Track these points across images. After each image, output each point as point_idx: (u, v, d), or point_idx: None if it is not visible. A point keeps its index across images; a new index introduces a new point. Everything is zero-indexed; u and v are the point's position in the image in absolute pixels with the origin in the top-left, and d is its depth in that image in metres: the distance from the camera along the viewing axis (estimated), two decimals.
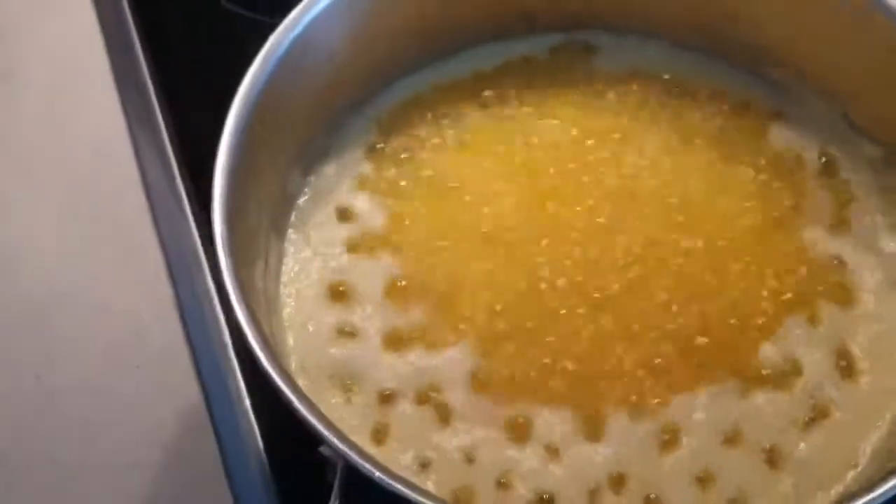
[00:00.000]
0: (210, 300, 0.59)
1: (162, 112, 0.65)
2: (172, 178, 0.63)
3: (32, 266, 0.62)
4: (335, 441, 0.39)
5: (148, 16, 0.69)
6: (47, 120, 0.67)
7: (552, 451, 0.48)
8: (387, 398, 0.49)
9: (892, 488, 0.40)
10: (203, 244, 0.61)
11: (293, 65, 0.51)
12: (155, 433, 0.56)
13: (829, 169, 0.55)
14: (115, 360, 0.58)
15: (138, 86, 0.67)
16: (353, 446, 0.39)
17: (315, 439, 0.42)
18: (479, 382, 0.49)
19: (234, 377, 0.56)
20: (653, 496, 0.47)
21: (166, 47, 0.68)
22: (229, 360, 0.57)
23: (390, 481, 0.38)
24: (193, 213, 0.62)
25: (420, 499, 0.37)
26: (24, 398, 0.57)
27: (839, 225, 0.54)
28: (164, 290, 0.60)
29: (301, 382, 0.49)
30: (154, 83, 0.66)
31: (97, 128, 0.66)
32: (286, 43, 0.51)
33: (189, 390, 0.57)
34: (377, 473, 0.38)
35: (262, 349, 0.41)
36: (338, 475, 0.39)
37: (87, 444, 0.56)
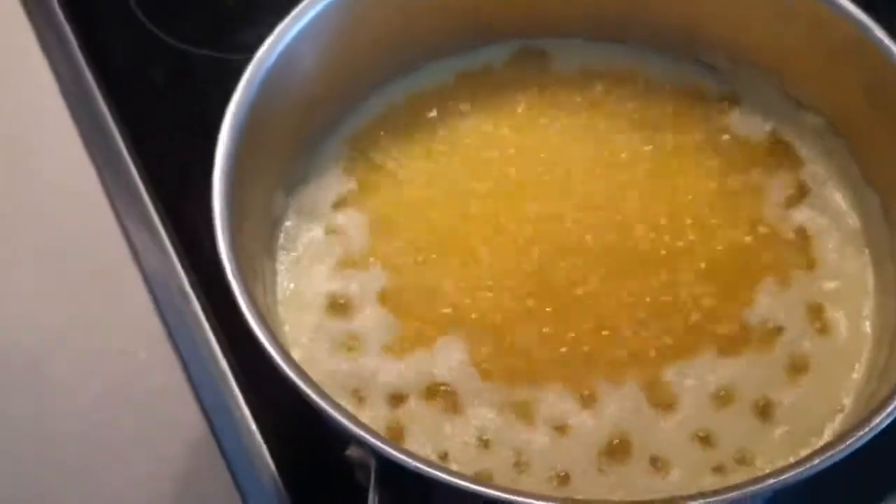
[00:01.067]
0: (202, 331, 0.60)
1: (128, 152, 0.66)
2: (148, 217, 0.64)
3: (19, 317, 0.62)
4: (369, 438, 0.40)
5: (103, 59, 0.70)
6: (12, 171, 0.67)
7: (558, 428, 0.50)
8: (397, 399, 0.51)
9: (878, 424, 0.43)
10: (188, 276, 0.62)
11: (271, 92, 0.53)
12: (164, 468, 0.56)
13: (779, 142, 0.59)
14: (116, 401, 0.58)
15: (100, 129, 0.68)
16: (386, 441, 0.40)
17: (337, 446, 0.44)
18: (481, 372, 0.52)
19: (238, 404, 0.57)
20: (658, 457, 0.49)
21: (126, 90, 0.69)
22: (230, 387, 0.58)
23: (429, 469, 0.39)
24: (174, 249, 0.63)
25: (459, 481, 0.39)
26: (26, 449, 0.57)
27: (795, 193, 0.57)
28: (156, 327, 0.61)
29: None
30: (117, 124, 0.67)
31: (65, 173, 0.66)
32: (262, 72, 0.52)
33: (194, 422, 0.57)
34: (414, 463, 0.39)
35: (286, 364, 0.42)
36: (372, 474, 0.41)
37: (95, 486, 0.56)
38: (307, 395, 0.42)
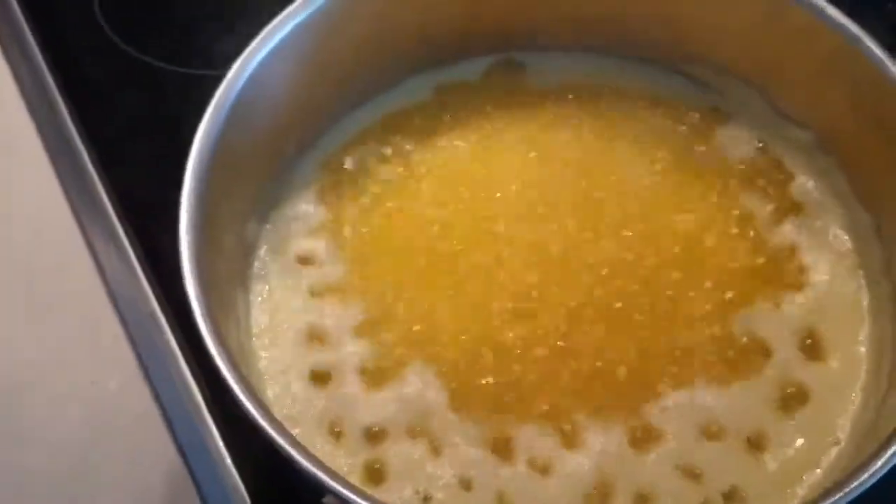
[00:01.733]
0: (175, 360, 0.58)
1: (98, 176, 0.64)
2: (119, 243, 0.62)
3: None
4: (344, 492, 0.38)
5: (72, 78, 0.68)
6: None
7: (540, 466, 0.48)
8: (376, 436, 0.49)
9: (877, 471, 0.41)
10: (159, 303, 0.60)
11: (239, 118, 0.51)
12: (141, 500, 0.55)
13: (768, 159, 0.57)
14: (90, 433, 0.57)
15: (70, 152, 0.65)
16: (363, 495, 0.39)
17: (313, 490, 0.42)
18: (461, 408, 0.50)
19: (211, 435, 0.56)
20: (644, 496, 0.48)
21: (95, 110, 0.67)
22: (203, 418, 0.56)
23: None
24: (146, 276, 0.61)
25: None
26: (2, 486, 0.55)
27: (784, 212, 0.55)
28: (127, 357, 0.59)
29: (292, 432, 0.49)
30: (86, 148, 0.65)
31: (33, 200, 0.65)
32: (232, 96, 0.50)
33: (169, 454, 0.56)
34: None
35: (262, 416, 0.40)
36: None
37: None
38: (281, 447, 0.40)
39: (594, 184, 0.57)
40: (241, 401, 0.41)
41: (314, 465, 0.39)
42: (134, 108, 0.67)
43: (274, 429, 0.40)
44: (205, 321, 0.43)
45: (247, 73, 0.51)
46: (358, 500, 0.38)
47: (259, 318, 0.53)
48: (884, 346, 0.51)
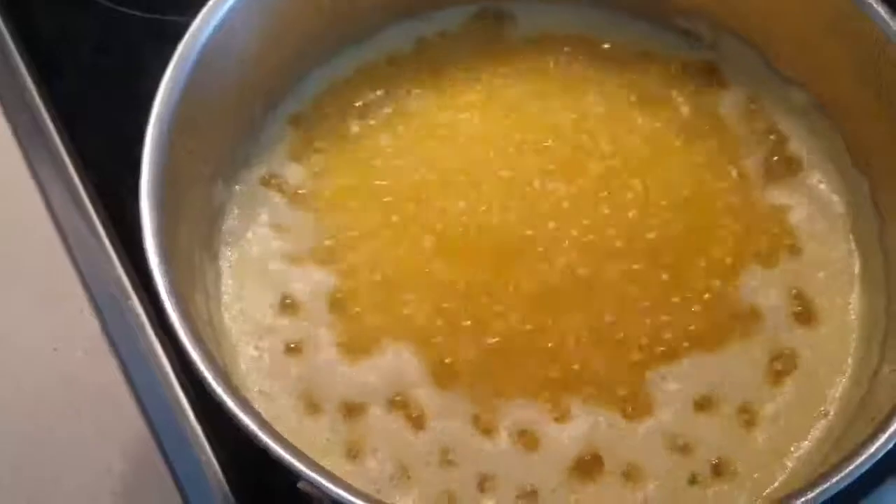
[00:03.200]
0: (143, 330, 0.56)
1: (58, 134, 0.61)
2: (82, 206, 0.59)
3: None
4: (321, 480, 0.37)
5: (25, 26, 0.64)
6: None
7: (525, 441, 0.47)
8: (354, 410, 0.47)
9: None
10: (125, 269, 0.57)
11: (205, 72, 0.48)
12: (106, 478, 0.53)
13: (762, 120, 0.55)
14: (51, 405, 0.54)
15: (28, 109, 0.62)
16: (338, 482, 0.37)
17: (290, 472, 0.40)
18: (443, 381, 0.48)
19: (182, 408, 0.53)
20: (632, 470, 0.46)
21: (54, 61, 0.63)
22: (173, 390, 0.54)
23: None
24: (110, 239, 0.58)
25: None
26: None
27: (778, 175, 0.53)
28: (92, 326, 0.56)
29: (263, 407, 0.47)
30: (45, 103, 0.62)
31: None
32: (195, 51, 0.47)
33: (136, 428, 0.54)
34: None
35: (229, 396, 0.38)
36: None
37: (31, 501, 0.52)
38: (253, 434, 0.38)
39: (579, 140, 0.54)
40: (207, 381, 0.38)
41: (287, 453, 0.37)
42: (95, 58, 0.64)
43: (244, 411, 0.38)
44: (168, 293, 0.41)
45: (214, 22, 0.48)
46: (333, 488, 0.36)
47: (229, 286, 0.50)
48: (876, 315, 0.49)
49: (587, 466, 0.46)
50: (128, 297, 0.57)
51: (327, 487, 0.36)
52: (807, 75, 0.53)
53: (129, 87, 0.57)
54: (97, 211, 0.58)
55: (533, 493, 0.46)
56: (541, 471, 0.46)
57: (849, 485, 0.39)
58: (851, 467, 0.38)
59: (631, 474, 0.46)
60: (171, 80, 0.47)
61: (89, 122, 0.61)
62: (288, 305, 0.50)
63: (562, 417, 0.47)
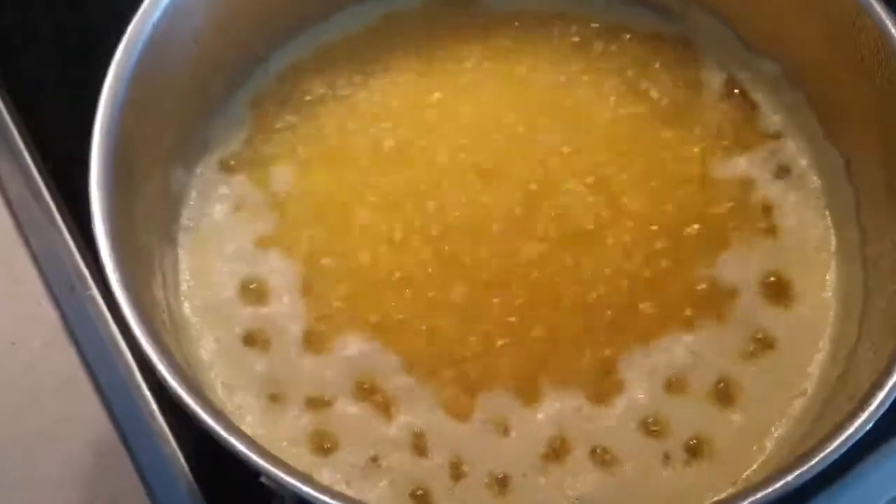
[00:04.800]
0: (103, 318, 0.54)
1: (13, 119, 0.59)
2: (36, 189, 0.58)
3: None
4: (280, 474, 0.35)
5: None
6: None
7: (498, 428, 0.46)
8: (321, 402, 0.46)
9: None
10: (84, 258, 0.55)
11: (157, 53, 0.46)
12: (68, 472, 0.51)
13: (735, 94, 0.54)
14: (11, 398, 0.53)
15: None
16: (298, 476, 0.35)
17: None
18: (413, 368, 0.47)
19: (144, 399, 0.52)
20: (604, 452, 0.45)
21: (7, 46, 0.61)
22: (135, 380, 0.53)
23: None
24: (67, 226, 0.56)
25: None
26: None
27: (751, 150, 0.52)
28: (50, 315, 0.55)
29: (227, 399, 0.45)
30: None
31: None
32: (146, 31, 0.46)
33: (98, 419, 0.52)
34: (332, 502, 0.34)
35: (181, 387, 0.37)
36: None
37: None
38: (207, 426, 0.36)
39: (547, 118, 0.53)
40: (159, 370, 0.37)
41: (245, 446, 0.36)
42: (50, 41, 0.62)
43: (202, 407, 0.37)
44: (119, 280, 0.39)
45: (160, 8, 0.46)
46: (292, 482, 0.35)
47: (188, 274, 0.49)
48: (853, 292, 0.48)
49: (558, 450, 0.45)
50: (87, 288, 0.55)
51: (285, 480, 0.35)
52: (778, 47, 0.52)
53: (87, 71, 0.55)
54: (54, 199, 0.56)
55: (504, 479, 0.45)
56: (512, 456, 0.45)
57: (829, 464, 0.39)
58: (831, 448, 0.37)
59: (603, 457, 0.45)
60: (121, 64, 0.45)
61: (44, 107, 0.59)
62: (250, 294, 0.49)
63: (532, 401, 0.46)
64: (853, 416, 0.38)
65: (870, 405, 0.38)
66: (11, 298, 0.55)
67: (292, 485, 0.35)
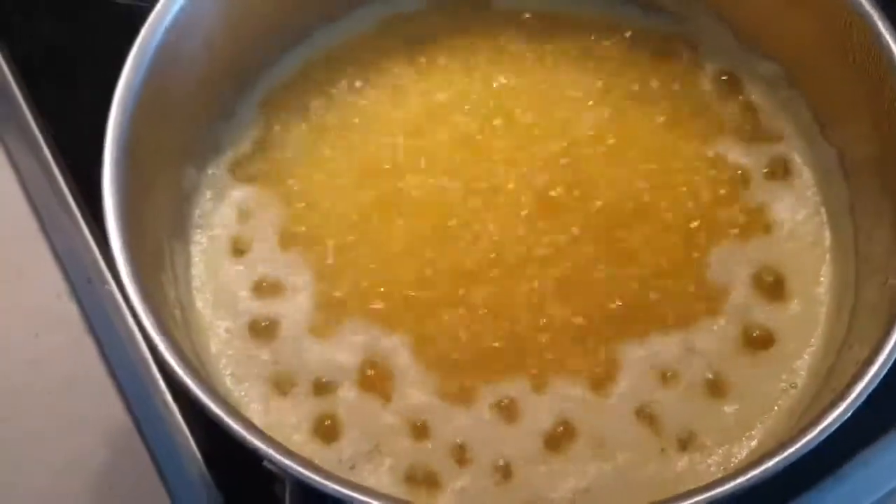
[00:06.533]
0: (120, 312, 0.56)
1: (34, 117, 0.61)
2: (56, 186, 0.60)
3: None
4: (279, 457, 0.37)
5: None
6: None
7: (501, 416, 0.47)
8: (325, 389, 0.48)
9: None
10: (102, 253, 0.57)
11: (169, 55, 0.48)
12: (84, 463, 0.53)
13: (730, 90, 0.55)
14: (25, 389, 0.55)
15: (4, 94, 0.62)
16: (298, 460, 0.37)
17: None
18: (418, 358, 0.48)
19: (160, 391, 0.54)
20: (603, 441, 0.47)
21: (28, 46, 0.63)
22: (151, 372, 0.54)
23: (344, 491, 0.36)
24: (86, 221, 0.58)
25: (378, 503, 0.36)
26: None
27: (747, 147, 0.53)
28: (69, 308, 0.57)
29: (234, 389, 0.47)
30: (21, 89, 0.62)
31: None
32: (159, 33, 0.47)
33: (113, 411, 0.54)
34: (330, 485, 0.36)
35: (188, 375, 0.38)
36: (287, 490, 0.37)
37: (9, 489, 0.53)
38: (211, 412, 0.38)
39: (549, 118, 0.54)
40: (165, 358, 0.39)
41: (246, 431, 0.37)
42: (70, 40, 0.63)
43: (203, 392, 0.38)
44: (130, 273, 0.41)
45: (176, 7, 0.47)
46: (293, 465, 0.37)
47: (199, 270, 0.51)
48: (846, 288, 0.49)
49: (558, 439, 0.46)
50: (104, 282, 0.57)
51: (286, 465, 0.36)
52: (773, 45, 0.53)
53: (105, 73, 0.57)
54: (73, 195, 0.58)
55: (506, 466, 0.46)
56: (515, 443, 0.46)
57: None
58: (811, 436, 0.38)
59: (600, 446, 0.46)
60: (134, 64, 0.47)
61: (65, 106, 0.61)
62: (259, 289, 0.50)
63: (535, 390, 0.47)
64: (833, 405, 0.38)
65: (850, 395, 0.39)
66: (33, 293, 0.57)
67: (293, 469, 0.37)
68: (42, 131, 0.61)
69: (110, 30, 0.62)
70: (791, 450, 0.38)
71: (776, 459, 0.38)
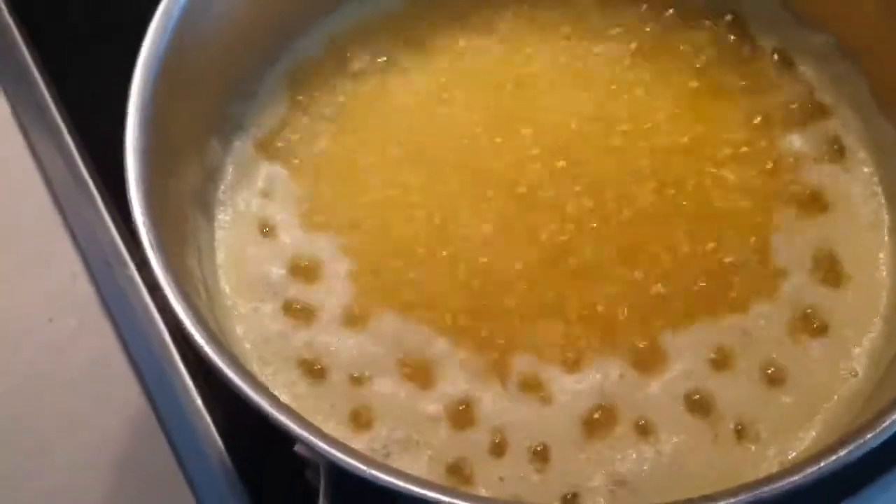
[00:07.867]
0: (139, 296, 0.54)
1: (49, 92, 0.59)
2: (74, 166, 0.58)
3: None
4: (315, 441, 0.34)
5: None
6: None
7: (538, 397, 0.45)
8: (359, 376, 0.45)
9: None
10: (121, 235, 0.55)
11: (192, 25, 0.46)
12: (103, 449, 0.51)
13: (783, 66, 0.52)
14: (45, 375, 0.53)
15: (20, 70, 0.60)
16: (334, 443, 0.35)
17: (288, 437, 0.38)
18: (455, 341, 0.46)
19: (180, 375, 0.52)
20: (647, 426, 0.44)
21: (43, 23, 0.61)
22: (171, 357, 0.53)
23: (382, 475, 0.34)
24: (104, 202, 0.56)
25: (413, 487, 0.33)
26: None
27: (801, 125, 0.51)
28: (87, 292, 0.55)
29: (261, 373, 0.45)
30: (37, 65, 0.60)
31: None
32: (180, 5, 0.45)
33: (132, 397, 0.52)
34: (368, 470, 0.33)
35: (217, 355, 0.36)
36: (322, 475, 0.35)
37: (27, 476, 0.51)
38: (243, 392, 0.36)
39: (597, 96, 0.52)
40: (191, 335, 0.36)
41: (284, 414, 0.35)
42: (86, 17, 0.62)
43: (233, 370, 0.36)
44: (155, 252, 0.38)
45: None
46: (329, 449, 0.34)
47: (223, 248, 0.48)
48: None
49: (599, 421, 0.44)
50: (123, 265, 0.55)
51: (323, 448, 0.34)
52: (829, 18, 0.50)
53: (123, 49, 0.55)
54: (91, 177, 0.57)
55: (544, 450, 0.43)
56: (552, 426, 0.44)
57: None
58: (878, 430, 0.35)
59: (645, 430, 0.44)
60: (155, 38, 0.45)
61: (81, 83, 0.59)
62: (288, 269, 0.48)
63: (575, 369, 0.45)
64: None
65: None
66: (51, 277, 0.55)
67: (330, 453, 0.34)
68: (59, 110, 0.59)
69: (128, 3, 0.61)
70: (852, 446, 0.36)
71: (847, 450, 0.35)
